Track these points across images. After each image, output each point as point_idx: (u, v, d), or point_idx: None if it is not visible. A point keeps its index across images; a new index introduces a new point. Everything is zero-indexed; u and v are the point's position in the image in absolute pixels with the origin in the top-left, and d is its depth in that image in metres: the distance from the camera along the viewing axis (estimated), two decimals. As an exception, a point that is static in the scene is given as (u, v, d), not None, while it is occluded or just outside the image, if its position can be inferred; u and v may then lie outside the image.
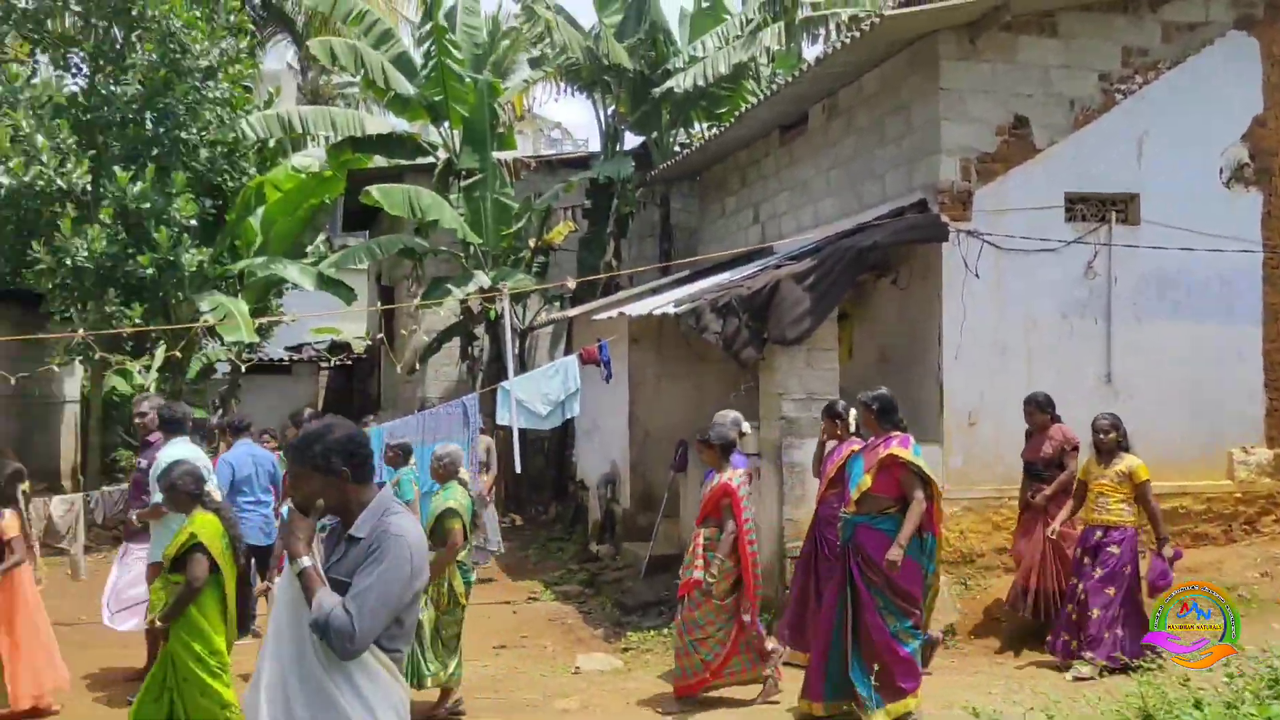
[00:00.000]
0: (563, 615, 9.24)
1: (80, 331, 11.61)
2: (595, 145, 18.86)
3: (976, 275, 8.46)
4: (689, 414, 9.94)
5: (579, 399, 9.99)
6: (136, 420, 7.69)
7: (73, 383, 17.17)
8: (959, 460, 8.48)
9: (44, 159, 11.80)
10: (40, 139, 11.86)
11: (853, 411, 6.85)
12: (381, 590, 2.84)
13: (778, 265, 8.76)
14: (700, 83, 12.40)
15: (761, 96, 11.49)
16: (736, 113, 12.50)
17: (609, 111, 14.47)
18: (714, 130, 13.41)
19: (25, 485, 6.94)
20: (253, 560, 7.91)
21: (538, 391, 9.99)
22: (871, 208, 9.44)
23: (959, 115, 8.58)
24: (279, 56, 27.83)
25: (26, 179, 11.72)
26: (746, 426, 7.43)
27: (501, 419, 9.97)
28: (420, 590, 3.06)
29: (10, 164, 11.60)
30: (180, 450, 6.85)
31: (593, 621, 8.92)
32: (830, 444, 7.26)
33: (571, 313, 12.61)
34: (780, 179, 11.61)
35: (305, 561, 2.89)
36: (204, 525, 5.33)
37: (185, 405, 8.02)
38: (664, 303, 9.34)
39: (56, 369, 13.32)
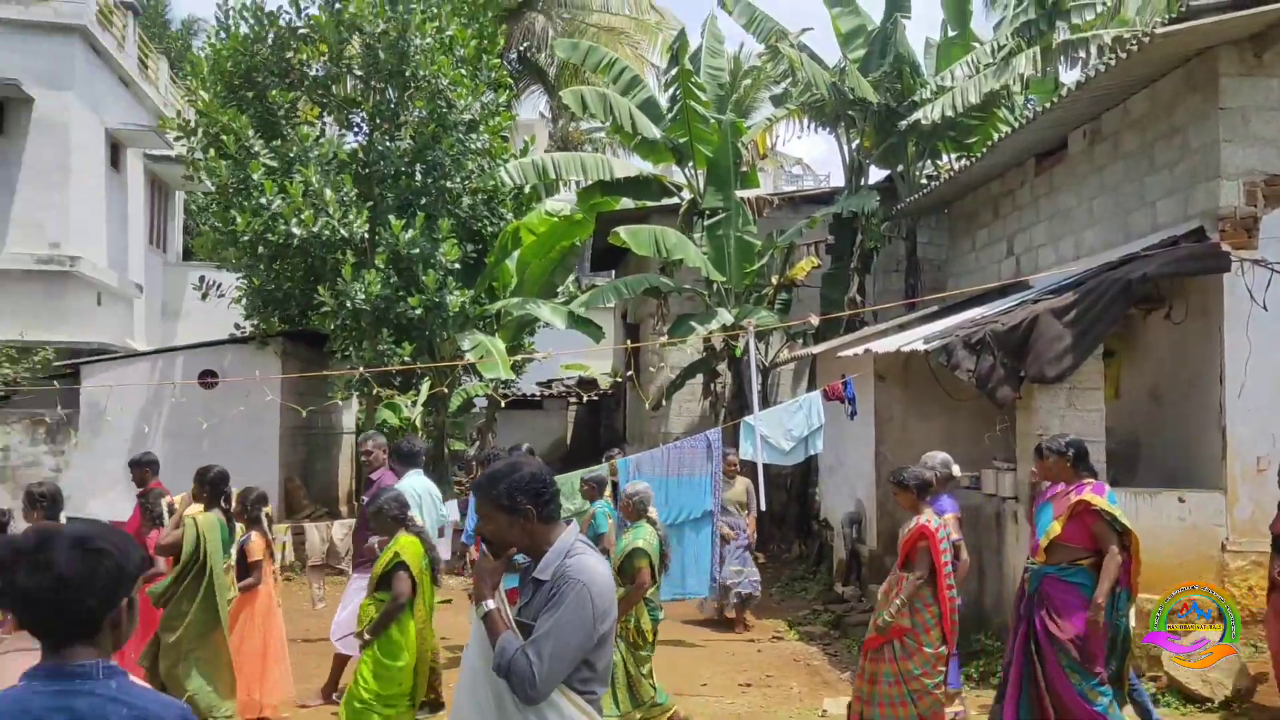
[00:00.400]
0: (808, 656, 9.08)
1: (360, 369, 12.57)
2: (837, 180, 18.71)
3: (1264, 307, 7.72)
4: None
5: (823, 435, 9.87)
6: (363, 457, 8.06)
7: (349, 415, 18.65)
8: (1246, 510, 7.73)
9: (330, 210, 12.96)
10: (328, 193, 13.03)
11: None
12: (560, 636, 2.83)
13: (1035, 299, 8.33)
14: (949, 113, 12.06)
15: (1014, 125, 11.04)
16: (987, 142, 12.06)
17: (853, 146, 14.32)
18: (963, 161, 12.98)
19: (268, 509, 7.41)
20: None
21: (781, 427, 9.93)
22: (1141, 237, 8.83)
23: (1242, 136, 7.91)
24: (532, 106, 29.44)
25: (315, 229, 12.89)
26: (957, 470, 7.08)
27: (745, 453, 9.98)
28: (609, 631, 2.99)
29: (302, 216, 12.79)
30: (414, 482, 7.36)
31: (839, 664, 8.71)
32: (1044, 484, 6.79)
33: (815, 349, 12.49)
34: (1037, 209, 11.08)
35: (489, 604, 2.93)
36: (407, 546, 5.69)
37: (418, 440, 8.58)
38: (912, 339, 9.08)
39: (340, 403, 14.54)
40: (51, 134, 16.49)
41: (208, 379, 14.38)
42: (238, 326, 15.55)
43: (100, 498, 13.09)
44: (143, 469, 8.74)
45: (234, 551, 6.94)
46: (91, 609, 2.10)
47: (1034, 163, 11.08)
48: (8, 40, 16.12)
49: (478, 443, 19.85)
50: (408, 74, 13.65)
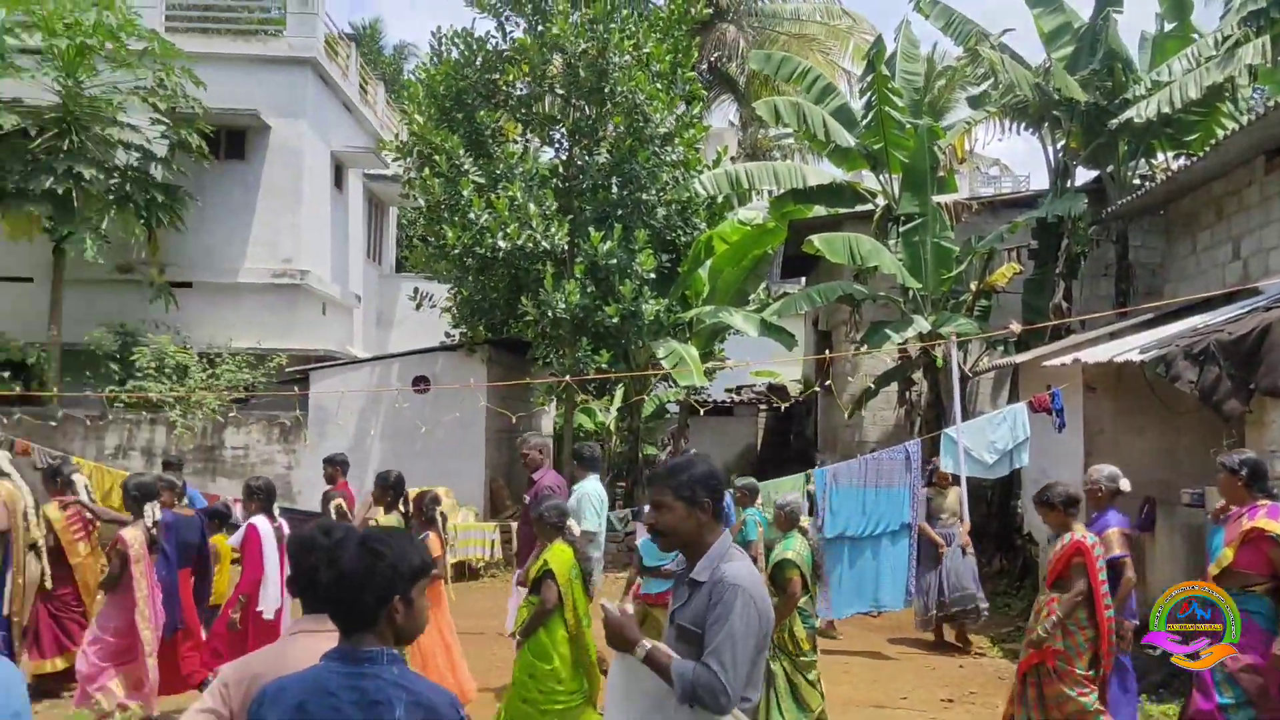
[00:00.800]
0: (1012, 673, 8.84)
1: (565, 377, 13.08)
2: (1038, 181, 18.02)
3: None
4: (1156, 469, 9.13)
5: (1028, 448, 9.60)
6: (523, 456, 8.26)
7: (548, 419, 19.36)
8: None
9: (533, 224, 13.55)
10: (531, 207, 13.63)
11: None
12: (736, 643, 2.92)
13: (1267, 307, 7.85)
14: (1165, 109, 11.44)
15: (1241, 120, 10.38)
16: (1210, 140, 11.39)
17: (1058, 147, 13.79)
18: (1182, 160, 12.30)
19: (442, 508, 7.76)
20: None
21: (984, 439, 9.73)
22: (1388, 238, 8.17)
23: None
24: (722, 115, 29.71)
25: (519, 242, 13.51)
26: (1125, 484, 6.70)
27: (945, 466, 9.83)
28: (767, 635, 3.06)
29: (508, 230, 13.44)
30: (589, 486, 7.63)
31: (1044, 684, 8.44)
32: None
33: (1018, 358, 12.11)
34: (1267, 210, 10.39)
35: (646, 645, 3.00)
36: (557, 555, 5.89)
37: (595, 445, 8.82)
38: (1126, 348, 8.70)
39: (547, 408, 15.15)
40: (286, 159, 17.93)
41: (421, 384, 15.30)
42: (447, 335, 16.44)
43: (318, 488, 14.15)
44: (334, 467, 9.38)
45: None
46: (368, 603, 2.40)
47: (1264, 160, 10.39)
48: (248, 74, 17.63)
49: (669, 447, 20.22)
50: (606, 90, 14.11)
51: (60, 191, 14.91)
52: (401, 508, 7.55)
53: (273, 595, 7.05)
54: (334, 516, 7.93)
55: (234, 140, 17.98)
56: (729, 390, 21.61)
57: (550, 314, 13.58)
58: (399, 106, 24.31)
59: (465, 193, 13.76)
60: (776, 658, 6.22)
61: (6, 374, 14.71)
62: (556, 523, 6.05)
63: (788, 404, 15.77)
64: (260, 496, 7.26)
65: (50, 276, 16.11)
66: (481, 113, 14.59)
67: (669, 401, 18.59)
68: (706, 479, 3.15)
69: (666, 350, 14.09)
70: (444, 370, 15.51)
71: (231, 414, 15.48)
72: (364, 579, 2.40)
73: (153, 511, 7.10)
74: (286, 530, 7.28)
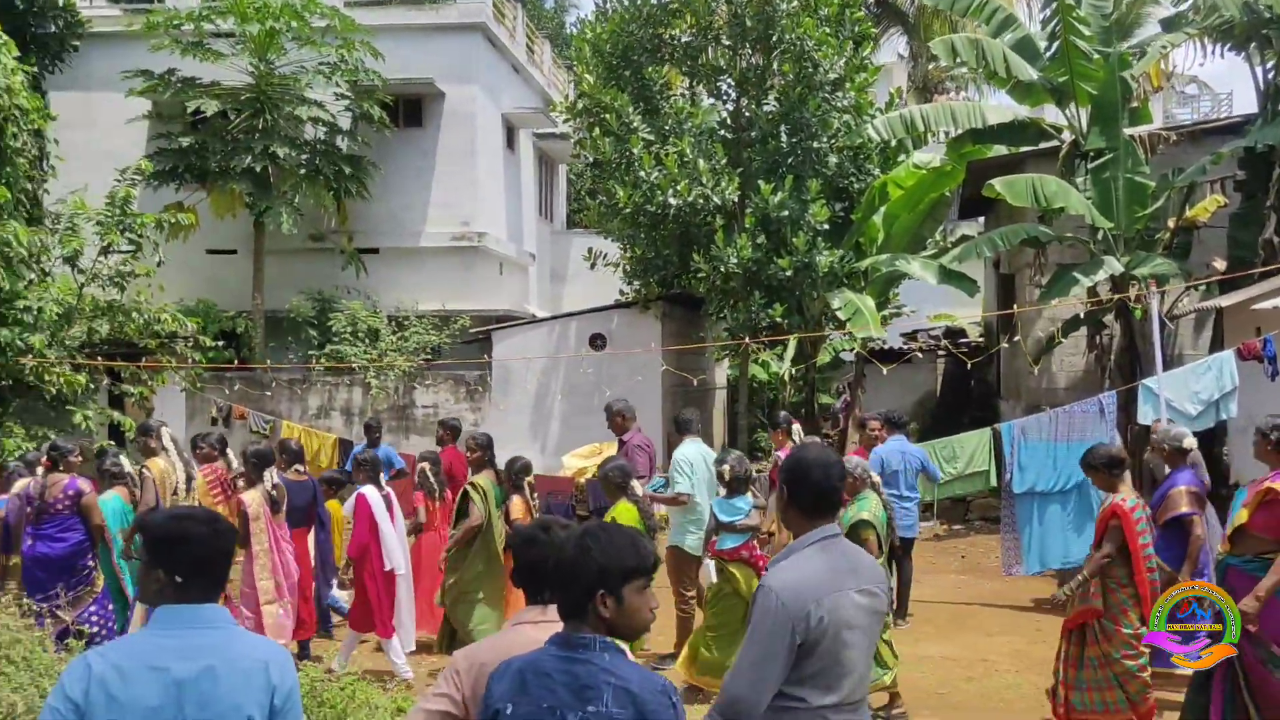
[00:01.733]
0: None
1: (744, 339, 13.10)
2: (1240, 100, 16.66)
3: None
4: (1383, 420, 8.47)
5: (1235, 399, 9.05)
6: (611, 421, 8.79)
7: (721, 371, 19.47)
8: None
9: (703, 179, 13.54)
10: (700, 162, 13.62)
11: None
12: (746, 645, 2.97)
13: None
14: (1395, 21, 10.40)
15: None
16: None
17: (1267, 69, 12.72)
18: None
19: (530, 478, 8.01)
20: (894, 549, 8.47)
21: (1186, 389, 9.21)
22: None
23: None
24: (891, 49, 28.68)
25: (690, 198, 13.54)
26: (1190, 441, 6.65)
27: (1144, 418, 9.37)
28: (795, 633, 2.92)
29: (678, 186, 13.48)
30: (683, 449, 7.99)
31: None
32: None
33: (1223, 300, 11.36)
34: None
35: None
36: (621, 512, 6.31)
37: (694, 410, 9.03)
38: (1349, 291, 8.06)
39: (721, 361, 15.23)
40: (460, 124, 18.47)
41: (597, 341, 15.64)
42: (621, 292, 16.70)
43: (509, 447, 14.74)
44: (445, 430, 9.76)
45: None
46: (576, 595, 2.54)
47: None
48: (421, 43, 18.19)
49: (844, 396, 20.00)
50: (773, 38, 13.88)
51: (258, 169, 15.87)
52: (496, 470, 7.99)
53: (397, 555, 7.71)
54: (430, 478, 8.36)
55: (411, 108, 18.63)
56: (905, 335, 21.12)
57: (722, 269, 13.60)
58: (565, 63, 24.61)
59: (635, 150, 13.86)
60: None
61: (220, 343, 15.85)
62: (620, 482, 6.52)
63: (967, 354, 15.26)
64: (368, 468, 7.86)
65: (252, 249, 17.21)
66: (649, 68, 14.61)
67: (844, 350, 18.35)
68: (788, 471, 3.19)
69: (841, 301, 13.90)
70: (619, 327, 15.80)
71: (421, 375, 16.25)
72: (572, 572, 2.55)
73: (270, 476, 7.70)
74: (394, 497, 7.96)
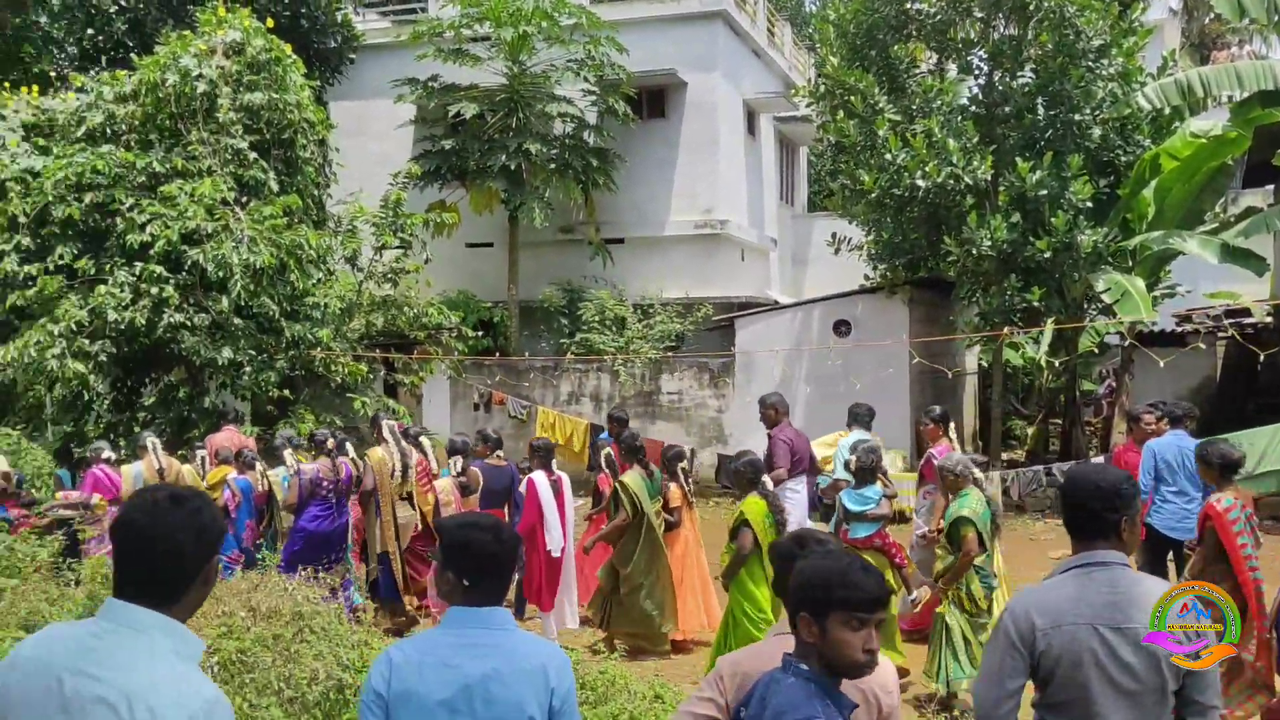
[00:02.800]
0: None
1: (1006, 329, 12.56)
2: None
3: None
4: None
5: None
6: (762, 415, 8.96)
7: (971, 357, 18.73)
8: None
9: (953, 159, 13.03)
10: (950, 142, 13.11)
11: None
12: (984, 656, 3.10)
13: None
14: None
15: None
16: None
17: None
18: None
19: (684, 464, 8.37)
20: (1170, 553, 7.89)
21: None
22: None
23: None
24: (1160, 4, 26.48)
25: (939, 180, 13.07)
26: None
27: None
28: (1026, 656, 2.93)
29: (926, 168, 13.05)
30: (848, 439, 8.19)
31: None
32: None
33: None
34: None
35: None
36: (751, 506, 6.60)
37: (867, 405, 9.03)
38: None
39: (972, 346, 14.68)
40: (701, 112, 18.66)
41: (841, 328, 15.43)
42: (866, 276, 16.38)
43: (755, 436, 14.81)
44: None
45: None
46: (790, 610, 2.61)
47: None
48: (663, 33, 18.48)
49: (1107, 381, 18.76)
50: (1030, 6, 13.14)
51: (512, 166, 16.67)
52: (644, 463, 8.30)
53: (556, 537, 8.26)
54: (604, 466, 8.68)
55: (654, 99, 18.98)
56: (1177, 317, 19.52)
57: (974, 251, 13.06)
58: (806, 45, 24.31)
59: (880, 132, 13.51)
60: (952, 613, 6.61)
61: (479, 333, 16.81)
62: (751, 477, 6.77)
63: (1254, 337, 13.94)
64: (541, 454, 8.48)
65: (507, 242, 18.12)
66: (894, 46, 14.19)
67: (1108, 333, 17.20)
68: (1063, 488, 3.17)
69: (1107, 282, 13.02)
70: (864, 313, 15.51)
71: (666, 362, 16.60)
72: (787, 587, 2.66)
73: (455, 465, 8.66)
74: (565, 482, 8.58)
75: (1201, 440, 6.27)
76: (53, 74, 17.43)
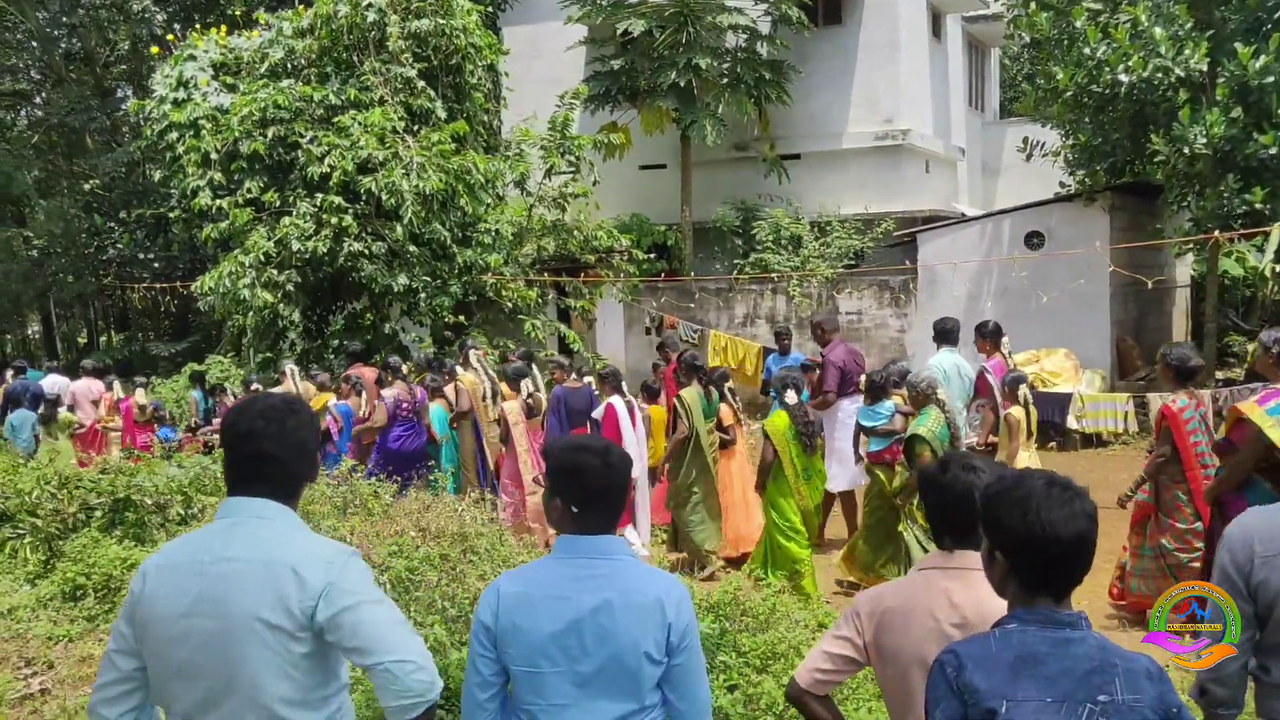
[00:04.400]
0: None
1: (1220, 234, 11.41)
2: None
3: None
4: None
5: None
6: (815, 335, 9.27)
7: (1183, 267, 17.21)
8: None
9: (1161, 50, 11.77)
10: (1157, 31, 11.83)
11: None
12: None
13: None
14: None
15: None
16: None
17: None
18: None
19: (730, 383, 8.80)
20: None
21: None
22: None
23: None
24: None
25: (1145, 73, 11.85)
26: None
27: None
28: (1243, 583, 2.76)
29: (1130, 61, 11.84)
30: (942, 358, 7.98)
31: None
32: None
33: None
34: None
35: None
36: (773, 420, 7.07)
37: (953, 319, 8.63)
38: None
39: (1184, 256, 13.41)
40: (881, 15, 17.61)
41: (1034, 239, 14.40)
42: (1061, 184, 15.19)
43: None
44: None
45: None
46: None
47: None
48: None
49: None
50: None
51: (682, 84, 16.23)
52: (702, 380, 8.63)
53: (635, 463, 8.11)
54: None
55: (830, 5, 18.03)
56: None
57: (1186, 151, 11.81)
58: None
59: (1078, 24, 12.34)
60: (909, 527, 6.95)
61: (652, 255, 16.64)
62: (778, 390, 7.25)
63: None
64: (611, 380, 8.73)
65: (679, 162, 17.77)
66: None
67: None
68: None
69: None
70: (1059, 223, 14.40)
71: (843, 280, 15.99)
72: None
73: (526, 387, 9.28)
74: (638, 407, 8.80)
75: (1171, 346, 6.56)
76: (239, 14, 18.12)
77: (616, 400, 8.58)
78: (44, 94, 20.75)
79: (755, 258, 16.65)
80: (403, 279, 12.16)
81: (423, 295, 12.33)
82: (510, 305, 12.64)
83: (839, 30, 17.98)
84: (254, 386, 12.14)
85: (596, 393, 9.31)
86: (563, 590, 2.50)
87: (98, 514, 7.84)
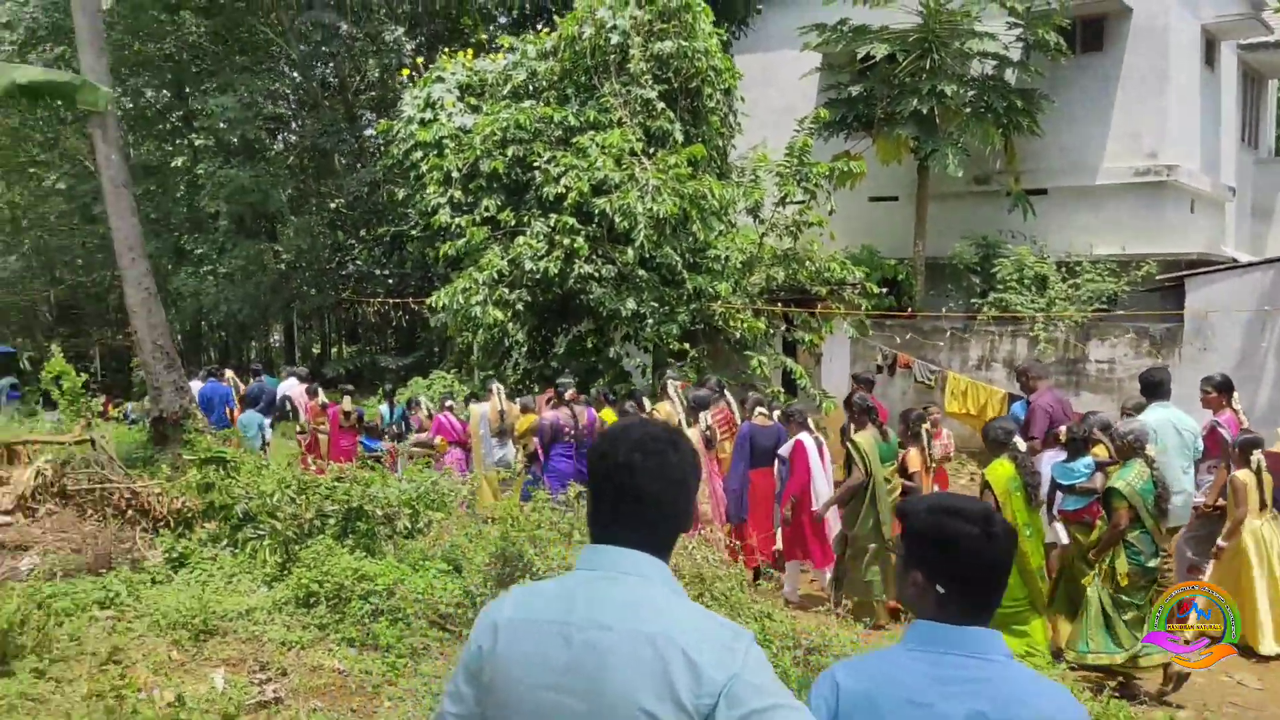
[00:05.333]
0: None
1: None
2: None
3: None
4: None
5: None
6: (1017, 380, 9.09)
7: None
8: None
9: None
10: None
11: None
12: None
13: None
14: None
15: None
16: None
17: None
18: None
19: (927, 424, 8.42)
20: None
21: None
22: None
23: None
24: None
25: None
26: None
27: None
28: None
29: None
30: (1157, 414, 7.30)
31: None
32: None
33: None
34: None
35: None
36: (995, 470, 6.60)
37: (1163, 371, 8.09)
38: None
39: None
40: (1149, 42, 16.23)
41: (1328, 290, 12.73)
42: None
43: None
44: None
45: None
46: None
47: None
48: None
49: None
50: None
51: (925, 110, 15.41)
52: (879, 425, 8.40)
53: (821, 496, 8.35)
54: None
55: (1090, 31, 16.77)
56: None
57: None
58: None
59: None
60: (1095, 586, 6.47)
61: (883, 290, 15.83)
62: (1002, 440, 6.68)
63: None
64: (798, 418, 8.65)
65: (912, 194, 16.89)
66: None
67: None
68: None
69: None
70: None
71: (1095, 326, 14.67)
72: None
73: (705, 419, 8.88)
74: (824, 445, 8.65)
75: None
76: (483, 39, 18.63)
77: (805, 437, 8.46)
78: (300, 119, 22.03)
79: (995, 297, 15.55)
80: (630, 303, 11.93)
81: (649, 321, 12.04)
82: (736, 336, 12.17)
83: (1099, 58, 16.70)
84: (449, 404, 12.34)
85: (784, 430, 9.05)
86: (922, 694, 1.95)
87: (331, 521, 7.87)
